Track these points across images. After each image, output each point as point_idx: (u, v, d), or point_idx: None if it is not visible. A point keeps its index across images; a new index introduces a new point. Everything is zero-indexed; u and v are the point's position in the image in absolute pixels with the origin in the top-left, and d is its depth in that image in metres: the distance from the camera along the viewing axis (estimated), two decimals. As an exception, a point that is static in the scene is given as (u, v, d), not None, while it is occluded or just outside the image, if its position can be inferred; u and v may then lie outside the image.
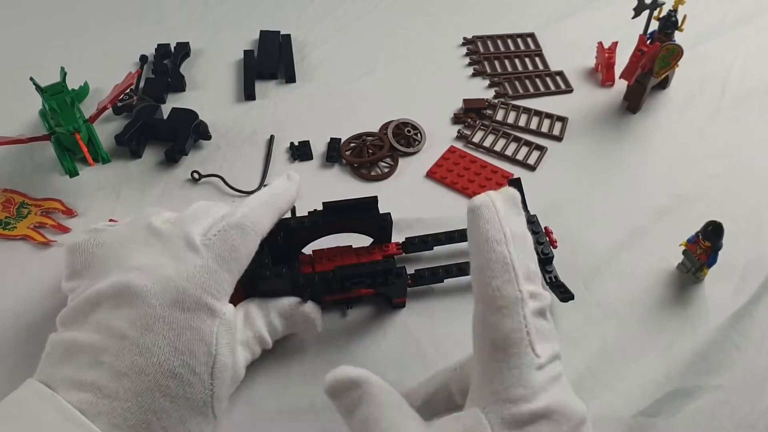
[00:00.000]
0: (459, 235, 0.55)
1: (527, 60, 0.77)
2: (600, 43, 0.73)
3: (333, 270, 0.49)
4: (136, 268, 0.41)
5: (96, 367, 0.38)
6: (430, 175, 0.63)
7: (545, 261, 0.53)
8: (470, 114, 0.69)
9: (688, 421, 0.46)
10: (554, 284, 0.52)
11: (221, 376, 0.41)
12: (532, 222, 0.55)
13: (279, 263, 0.47)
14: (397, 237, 0.55)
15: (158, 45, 0.76)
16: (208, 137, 0.65)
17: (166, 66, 0.73)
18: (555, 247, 0.54)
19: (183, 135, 0.63)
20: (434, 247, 0.55)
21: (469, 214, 0.38)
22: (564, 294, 0.50)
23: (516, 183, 0.59)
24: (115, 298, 0.40)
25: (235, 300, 0.52)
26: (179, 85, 0.71)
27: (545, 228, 0.55)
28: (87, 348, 0.39)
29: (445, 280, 0.53)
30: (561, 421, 0.34)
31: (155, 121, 0.65)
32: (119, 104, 0.67)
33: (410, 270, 0.52)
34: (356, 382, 0.37)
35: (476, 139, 0.67)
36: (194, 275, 0.41)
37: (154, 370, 0.38)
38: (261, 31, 0.78)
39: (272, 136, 0.66)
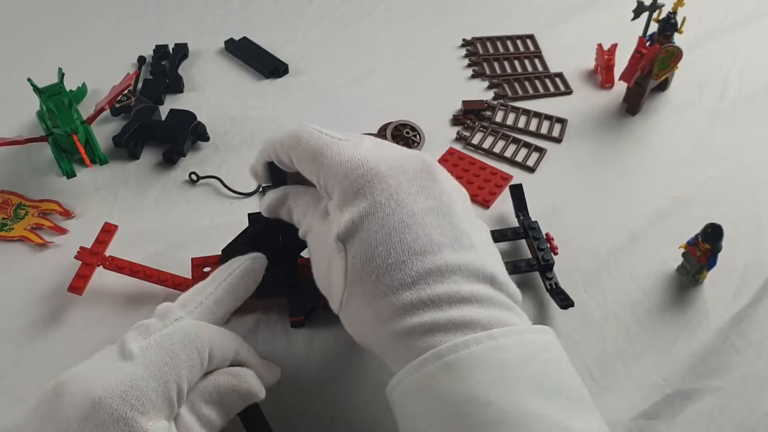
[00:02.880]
0: (458, 237, 0.55)
1: (527, 61, 0.76)
2: (599, 45, 0.73)
3: None
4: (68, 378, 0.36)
5: None
6: (429, 176, 0.63)
7: (546, 268, 0.53)
8: (469, 115, 0.69)
9: (687, 423, 0.46)
10: (554, 291, 0.52)
11: None
12: (533, 228, 0.55)
13: (278, 265, 0.47)
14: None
15: (156, 46, 0.76)
16: (206, 139, 0.65)
17: (164, 67, 0.73)
18: (556, 253, 0.54)
19: (181, 136, 0.63)
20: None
21: None
22: (564, 301, 0.50)
23: (517, 189, 0.59)
24: (40, 410, 0.36)
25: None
26: (177, 87, 0.71)
27: (546, 234, 0.55)
28: None
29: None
30: (394, 174, 0.38)
31: (153, 122, 0.65)
32: (117, 105, 0.67)
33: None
34: (283, 197, 0.45)
35: (475, 140, 0.66)
36: (116, 384, 0.35)
37: None
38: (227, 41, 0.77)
39: (271, 138, 0.66)
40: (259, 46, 0.76)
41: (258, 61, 0.74)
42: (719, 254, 0.52)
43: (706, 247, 0.51)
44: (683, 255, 0.54)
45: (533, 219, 0.57)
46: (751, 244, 0.57)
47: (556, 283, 0.52)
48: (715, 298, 0.54)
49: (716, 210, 0.59)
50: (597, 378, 0.49)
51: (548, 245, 0.54)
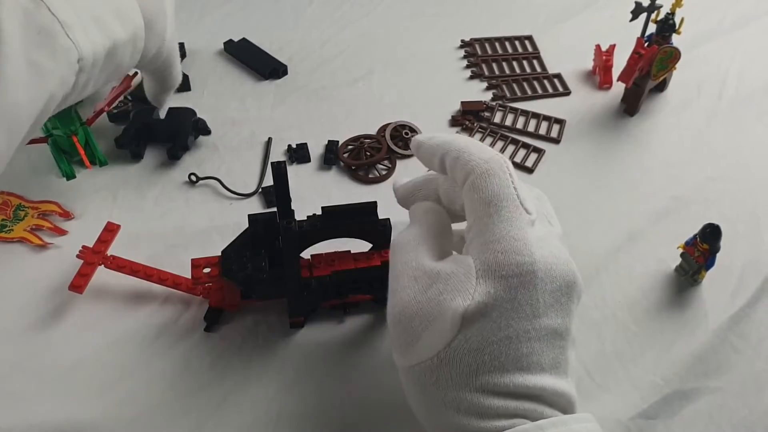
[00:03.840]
0: (457, 238, 0.55)
1: (525, 62, 0.77)
2: (598, 46, 0.73)
3: (330, 275, 0.48)
4: None
5: None
6: (428, 177, 0.63)
7: None
8: (468, 116, 0.69)
9: (686, 423, 0.46)
10: None
11: None
12: None
13: (277, 266, 0.47)
14: (395, 239, 0.54)
15: (156, 47, 0.76)
16: (208, 132, 0.65)
17: (164, 68, 0.73)
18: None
19: (183, 131, 0.63)
20: (432, 250, 0.55)
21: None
22: None
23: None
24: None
25: (232, 304, 0.51)
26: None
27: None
28: None
29: (443, 283, 0.53)
30: (545, 279, 0.35)
31: (154, 121, 0.65)
32: (114, 111, 0.67)
33: (408, 272, 0.52)
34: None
35: (474, 141, 0.67)
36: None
37: None
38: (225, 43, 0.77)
39: (270, 139, 0.66)
40: (258, 47, 0.76)
41: (257, 61, 0.74)
42: (717, 254, 0.52)
43: (704, 247, 0.51)
44: (681, 255, 0.54)
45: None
46: (749, 244, 0.57)
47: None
48: (713, 298, 0.54)
49: (714, 210, 0.59)
50: (595, 378, 0.49)
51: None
